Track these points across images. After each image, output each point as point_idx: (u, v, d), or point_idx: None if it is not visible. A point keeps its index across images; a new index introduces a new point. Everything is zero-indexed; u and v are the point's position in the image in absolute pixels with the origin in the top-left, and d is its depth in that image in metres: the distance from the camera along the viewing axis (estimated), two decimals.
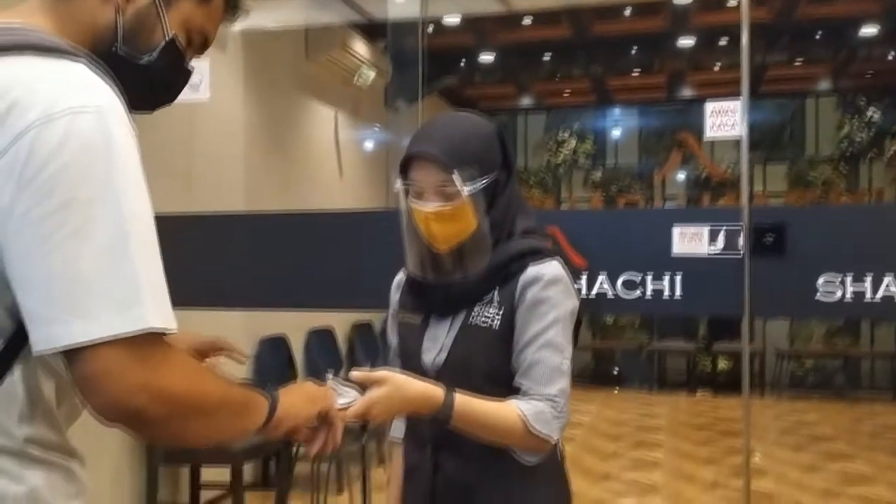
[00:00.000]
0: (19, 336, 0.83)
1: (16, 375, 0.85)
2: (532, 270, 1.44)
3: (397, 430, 1.67)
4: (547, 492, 1.51)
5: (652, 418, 7.16)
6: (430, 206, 1.44)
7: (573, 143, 9.39)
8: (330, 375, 1.40)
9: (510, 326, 1.45)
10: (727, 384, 8.46)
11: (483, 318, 1.47)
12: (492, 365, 1.46)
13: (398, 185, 1.50)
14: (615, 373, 9.14)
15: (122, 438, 3.83)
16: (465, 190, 1.41)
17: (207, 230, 2.74)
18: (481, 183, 1.43)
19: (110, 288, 0.79)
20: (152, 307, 0.81)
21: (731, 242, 2.26)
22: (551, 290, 1.43)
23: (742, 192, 2.32)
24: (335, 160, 6.31)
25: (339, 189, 6.31)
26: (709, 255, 2.27)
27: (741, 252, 2.25)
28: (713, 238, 2.27)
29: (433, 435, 1.49)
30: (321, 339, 5.70)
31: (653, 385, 8.74)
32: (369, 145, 7.06)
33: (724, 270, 2.26)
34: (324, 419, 1.15)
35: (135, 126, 0.88)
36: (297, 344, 5.46)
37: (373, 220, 2.77)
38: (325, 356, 5.60)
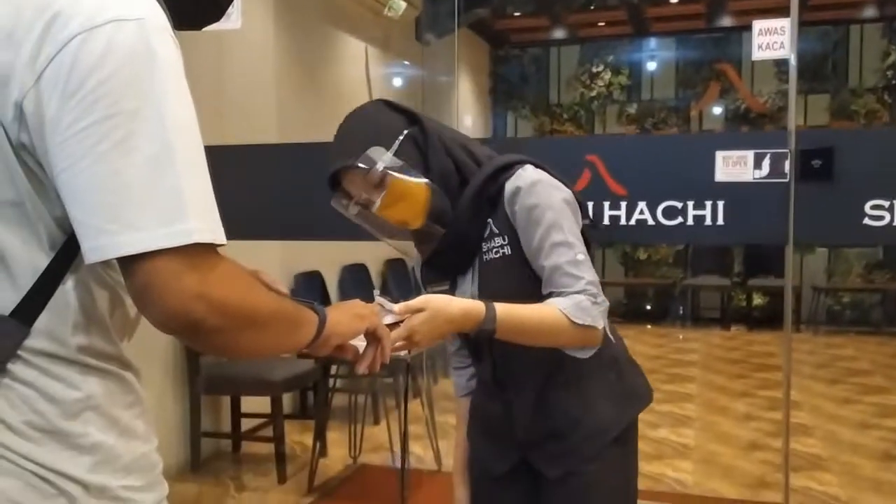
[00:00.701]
0: (71, 247, 0.84)
1: (68, 285, 0.86)
2: (509, 185, 1.44)
3: (459, 389, 1.72)
4: (618, 387, 1.55)
5: (685, 353, 7.16)
6: (377, 203, 1.43)
7: (608, 76, 9.19)
8: (377, 293, 1.40)
9: (520, 246, 1.45)
10: (762, 320, 8.42)
11: (495, 253, 1.47)
12: (523, 287, 1.45)
13: (340, 207, 1.47)
14: (648, 309, 9.11)
15: (165, 369, 3.92)
16: (382, 166, 1.40)
17: (242, 161, 2.73)
18: (392, 150, 1.42)
19: (155, 200, 0.79)
20: (198, 220, 0.80)
21: (776, 168, 2.20)
22: (534, 194, 1.42)
23: (790, 113, 2.25)
24: (366, 97, 6.25)
25: None
26: (753, 181, 2.21)
27: (787, 177, 2.19)
28: (758, 163, 2.22)
29: (499, 379, 1.55)
30: (355, 275, 5.74)
31: (686, 321, 8.72)
32: (400, 81, 6.97)
33: (768, 197, 2.21)
34: (372, 336, 1.16)
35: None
36: (332, 280, 5.51)
37: None
38: (360, 291, 5.64)
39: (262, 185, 2.70)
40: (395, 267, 6.45)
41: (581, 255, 1.40)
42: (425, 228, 1.47)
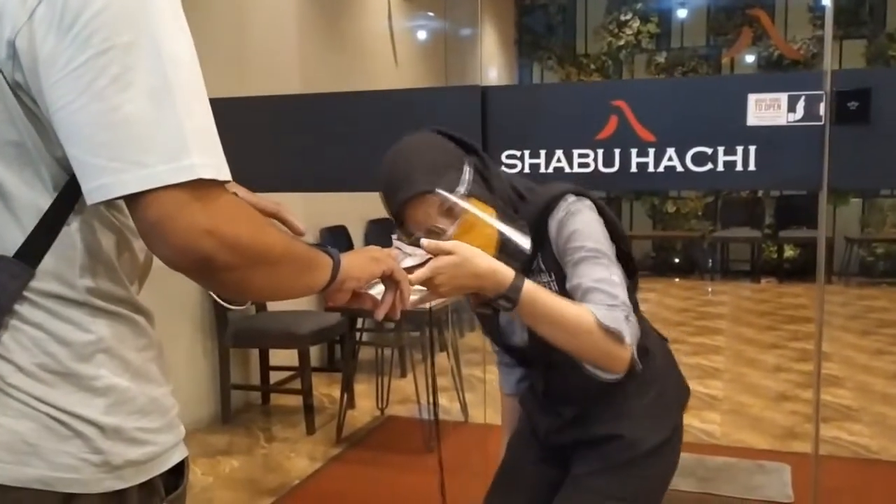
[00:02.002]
0: (73, 187, 0.82)
1: (73, 226, 0.84)
2: (552, 225, 1.43)
3: (507, 386, 1.76)
4: (652, 399, 1.55)
5: (714, 306, 7.11)
6: (449, 232, 1.37)
7: (636, 24, 8.98)
8: (395, 237, 1.38)
9: (566, 286, 1.42)
10: (793, 272, 8.31)
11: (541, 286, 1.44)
12: None
13: (401, 244, 1.39)
14: (676, 262, 9.03)
15: (194, 323, 3.97)
16: (460, 194, 1.36)
17: (265, 112, 2.70)
18: (466, 178, 1.38)
19: (155, 135, 0.76)
20: (201, 155, 0.78)
21: (811, 111, 2.12)
22: (574, 220, 1.41)
23: (826, 54, 2.16)
24: (390, 50, 6.16)
25: (396, 78, 6.18)
26: (787, 124, 2.14)
27: (822, 121, 2.11)
28: (792, 106, 2.14)
29: (548, 389, 1.57)
30: (381, 229, 5.73)
31: (715, 274, 8.63)
32: (424, 34, 6.86)
33: (802, 141, 2.13)
34: (389, 279, 1.13)
35: None
36: (357, 234, 5.51)
37: (430, 97, 2.69)
38: (385, 245, 5.64)
39: (287, 137, 2.67)
40: None
41: (616, 277, 1.37)
42: (502, 258, 1.42)
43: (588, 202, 1.43)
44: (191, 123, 0.78)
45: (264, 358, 4.26)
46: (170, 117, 0.77)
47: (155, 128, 0.76)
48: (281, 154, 2.68)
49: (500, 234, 1.38)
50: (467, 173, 1.39)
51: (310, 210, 4.67)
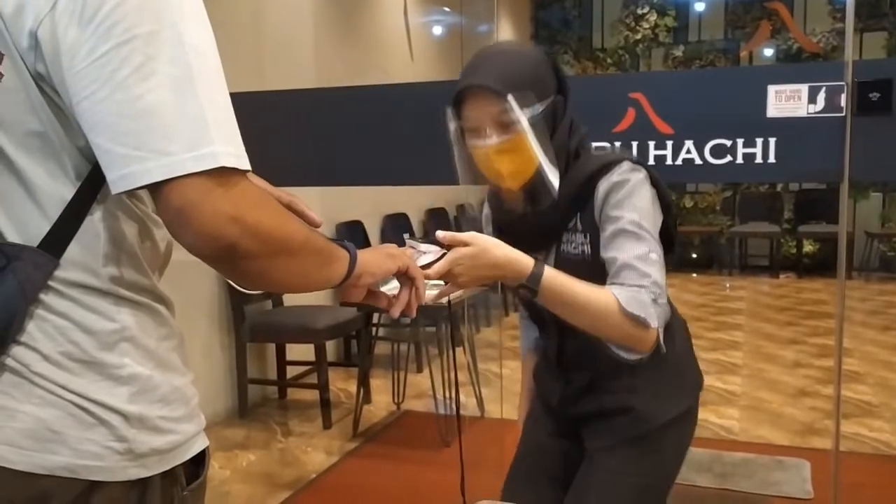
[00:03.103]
0: (96, 177, 0.83)
1: (96, 216, 0.85)
2: (602, 187, 1.39)
3: (526, 341, 1.73)
4: (668, 378, 1.53)
5: (732, 301, 7.05)
6: (491, 142, 1.36)
7: (653, 17, 8.91)
8: (407, 236, 1.38)
9: (599, 251, 1.40)
10: (812, 267, 8.23)
11: (573, 247, 1.43)
12: None
13: (452, 125, 1.42)
14: (694, 257, 8.96)
15: (211, 318, 3.98)
16: (525, 117, 1.33)
17: (282, 107, 2.70)
18: (541, 107, 1.35)
19: (178, 124, 0.77)
20: (223, 144, 0.79)
21: (831, 102, 2.09)
22: (621, 190, 1.37)
23: (847, 44, 2.13)
24: (405, 45, 6.15)
25: (411, 73, 6.18)
26: (807, 116, 2.11)
27: (843, 112, 2.08)
28: (812, 98, 2.11)
29: (561, 354, 1.54)
30: (396, 224, 5.74)
31: (733, 269, 8.56)
32: (439, 30, 6.85)
33: (823, 133, 2.11)
34: (405, 276, 1.14)
35: None
36: (373, 229, 5.51)
37: (448, 91, 2.67)
38: (401, 241, 5.64)
39: (304, 132, 2.67)
40: (436, 216, 6.43)
41: (654, 254, 1.35)
42: (519, 194, 1.43)
43: (643, 173, 1.40)
44: (212, 113, 0.79)
45: (281, 352, 4.27)
46: (192, 106, 0.77)
47: (177, 116, 0.77)
48: (297, 149, 2.68)
49: (537, 171, 1.37)
50: (544, 105, 1.36)
51: (326, 205, 4.68)
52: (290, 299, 4.30)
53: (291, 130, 2.70)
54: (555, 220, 1.44)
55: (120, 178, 0.78)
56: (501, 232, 1.51)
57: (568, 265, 1.40)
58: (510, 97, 1.32)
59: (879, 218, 8.28)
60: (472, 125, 1.38)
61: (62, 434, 0.83)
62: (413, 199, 6.13)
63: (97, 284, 0.85)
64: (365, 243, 5.20)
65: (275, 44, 4.36)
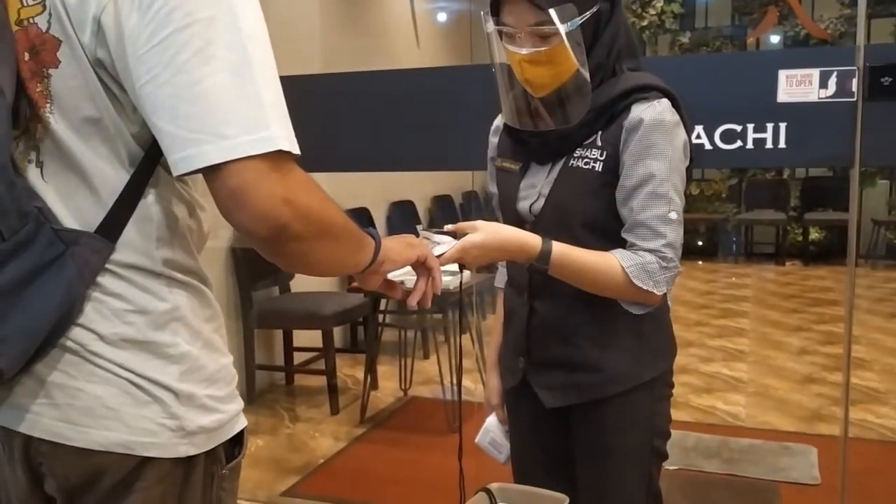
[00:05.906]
0: (149, 162, 0.86)
1: (149, 200, 0.87)
2: (636, 112, 1.35)
3: (501, 279, 1.67)
4: (646, 341, 1.47)
5: (738, 289, 7.05)
6: (524, 50, 1.35)
7: (660, 4, 8.85)
8: (421, 228, 1.40)
9: (614, 171, 1.38)
10: (819, 254, 8.21)
11: (585, 161, 1.39)
12: (592, 211, 1.40)
13: (489, 26, 1.41)
14: (699, 245, 8.94)
15: (219, 303, 3.98)
16: (563, 29, 1.31)
17: (287, 92, 2.69)
18: (580, 20, 1.31)
19: (237, 107, 0.79)
20: (279, 128, 0.81)
21: (843, 86, 2.08)
22: (656, 134, 1.34)
23: (859, 25, 2.11)
24: (411, 31, 6.13)
25: (418, 60, 6.15)
26: (818, 100, 2.10)
27: (854, 97, 2.07)
28: (823, 82, 2.10)
29: (529, 280, 1.48)
30: (403, 211, 5.76)
31: (739, 256, 8.55)
32: (445, 16, 6.82)
33: (834, 117, 2.09)
34: (422, 266, 1.15)
35: None
36: (379, 216, 5.52)
37: (456, 76, 2.66)
38: (407, 228, 5.61)
39: (310, 117, 2.66)
40: (442, 204, 6.42)
41: (675, 213, 1.34)
42: (543, 105, 1.41)
43: (678, 117, 1.37)
44: (268, 96, 0.81)
45: (288, 339, 4.29)
46: (249, 90, 0.80)
47: (236, 100, 0.79)
48: (303, 135, 2.67)
49: (568, 85, 1.37)
50: (584, 16, 1.32)
51: (332, 191, 4.60)
52: (297, 286, 4.31)
53: (297, 116, 2.68)
54: (571, 135, 1.40)
55: (180, 160, 0.79)
56: (513, 140, 1.49)
57: (573, 178, 1.40)
58: (550, 10, 1.30)
59: (886, 205, 8.25)
60: (508, 30, 1.37)
61: (118, 411, 0.86)
62: (419, 187, 6.13)
63: (151, 266, 0.88)
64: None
65: (281, 30, 4.33)
